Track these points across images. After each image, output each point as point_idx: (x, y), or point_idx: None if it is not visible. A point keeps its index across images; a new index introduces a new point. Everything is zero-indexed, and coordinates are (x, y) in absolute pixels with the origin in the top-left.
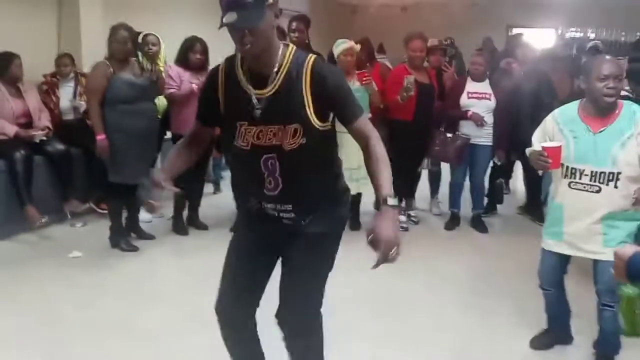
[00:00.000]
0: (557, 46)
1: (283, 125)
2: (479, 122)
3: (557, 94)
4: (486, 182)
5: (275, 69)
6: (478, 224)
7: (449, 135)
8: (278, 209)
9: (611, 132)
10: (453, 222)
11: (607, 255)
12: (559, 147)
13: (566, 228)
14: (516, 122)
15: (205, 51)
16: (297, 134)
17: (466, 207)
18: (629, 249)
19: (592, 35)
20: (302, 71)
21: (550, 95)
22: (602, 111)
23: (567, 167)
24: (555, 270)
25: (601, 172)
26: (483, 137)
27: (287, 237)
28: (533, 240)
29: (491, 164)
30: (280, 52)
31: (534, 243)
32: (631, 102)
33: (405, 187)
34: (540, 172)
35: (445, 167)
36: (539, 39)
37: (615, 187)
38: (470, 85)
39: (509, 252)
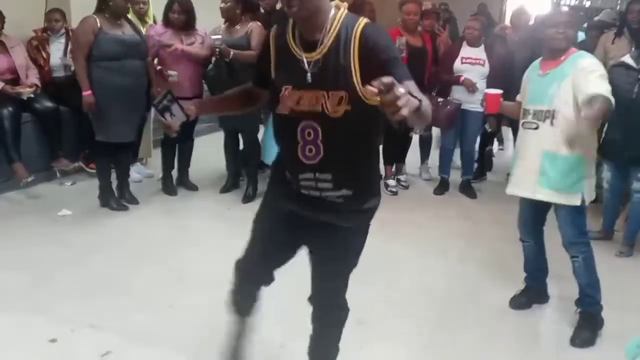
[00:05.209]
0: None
1: (327, 91)
2: (470, 87)
3: None
4: (476, 148)
5: (324, 32)
6: (467, 190)
7: (440, 99)
8: (316, 179)
9: (555, 74)
10: (442, 187)
11: (543, 195)
12: (497, 95)
13: (514, 169)
14: (508, 89)
15: (185, 11)
16: (342, 101)
17: (456, 172)
18: None
19: (588, 4)
20: (351, 35)
21: None
22: (552, 54)
23: (522, 109)
24: (530, 220)
25: (540, 110)
26: (474, 103)
27: (317, 227)
28: None
29: (482, 130)
30: (330, 15)
31: None
32: (583, 52)
33: (396, 152)
34: None
35: (435, 133)
36: (535, 6)
37: (552, 124)
38: (465, 51)
39: (496, 218)
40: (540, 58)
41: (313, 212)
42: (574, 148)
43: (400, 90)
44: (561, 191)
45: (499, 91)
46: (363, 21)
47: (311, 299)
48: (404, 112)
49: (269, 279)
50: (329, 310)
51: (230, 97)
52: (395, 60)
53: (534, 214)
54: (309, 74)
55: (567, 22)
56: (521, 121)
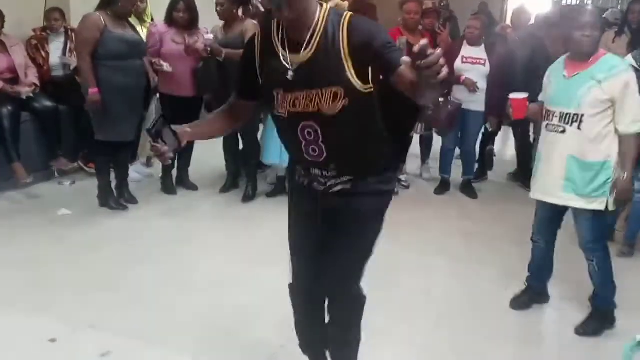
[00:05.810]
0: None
1: (321, 89)
2: (471, 87)
3: (551, 60)
4: (477, 148)
5: (311, 32)
6: (468, 190)
7: (441, 99)
8: (322, 171)
9: (582, 76)
10: (443, 187)
11: (567, 201)
12: (524, 99)
13: (539, 173)
14: (509, 89)
15: (189, 9)
16: (338, 97)
17: (456, 172)
18: None
19: (590, 3)
20: (338, 29)
21: (545, 62)
22: (578, 56)
23: (545, 110)
24: (546, 220)
25: (567, 113)
26: (475, 102)
27: (331, 216)
28: (522, 206)
29: (482, 130)
30: (316, 14)
31: (523, 209)
32: (616, 57)
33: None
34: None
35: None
36: (536, 5)
37: (579, 128)
38: (466, 50)
39: (498, 218)
40: (562, 57)
41: (326, 202)
42: (599, 152)
43: (436, 51)
44: (585, 196)
45: (524, 95)
46: (348, 15)
47: (324, 291)
48: (445, 70)
49: (321, 289)
50: (341, 298)
51: (217, 118)
52: (389, 44)
53: (550, 215)
54: (293, 74)
55: (594, 24)
56: (544, 123)
